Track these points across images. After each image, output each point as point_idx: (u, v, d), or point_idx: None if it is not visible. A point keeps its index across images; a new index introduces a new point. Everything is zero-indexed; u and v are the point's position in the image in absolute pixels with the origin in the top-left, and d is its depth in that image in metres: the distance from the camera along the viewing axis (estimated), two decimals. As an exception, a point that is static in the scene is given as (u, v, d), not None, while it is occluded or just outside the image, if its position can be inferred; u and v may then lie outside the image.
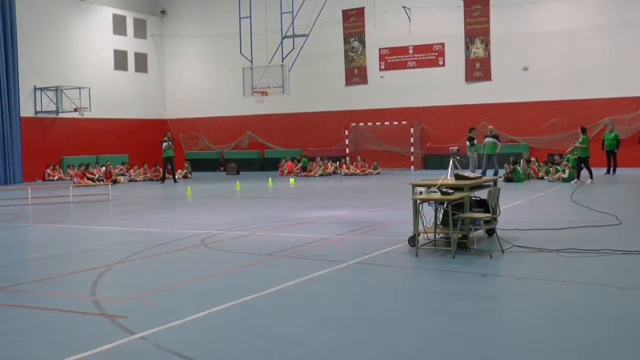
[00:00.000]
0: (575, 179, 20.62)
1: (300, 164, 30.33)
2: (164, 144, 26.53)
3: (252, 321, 6.12)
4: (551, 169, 22.43)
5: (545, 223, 11.62)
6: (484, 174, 20.50)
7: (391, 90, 31.58)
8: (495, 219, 9.54)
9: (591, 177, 20.70)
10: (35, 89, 30.09)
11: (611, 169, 23.46)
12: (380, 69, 32.14)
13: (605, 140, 23.58)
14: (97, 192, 21.17)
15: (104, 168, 28.64)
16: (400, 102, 31.45)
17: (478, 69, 30.24)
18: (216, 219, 14.04)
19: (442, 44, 30.86)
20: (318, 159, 30.08)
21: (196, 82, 36.53)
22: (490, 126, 25.27)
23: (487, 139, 23.16)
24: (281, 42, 27.57)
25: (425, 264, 8.54)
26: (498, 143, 23.26)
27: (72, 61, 31.80)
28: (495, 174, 21.58)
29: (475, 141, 23.39)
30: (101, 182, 25.19)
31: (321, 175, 28.87)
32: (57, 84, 30.31)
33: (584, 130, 21.61)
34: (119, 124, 34.07)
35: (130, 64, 35.38)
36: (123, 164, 30.64)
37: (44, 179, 29.69)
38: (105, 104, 32.67)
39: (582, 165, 20.82)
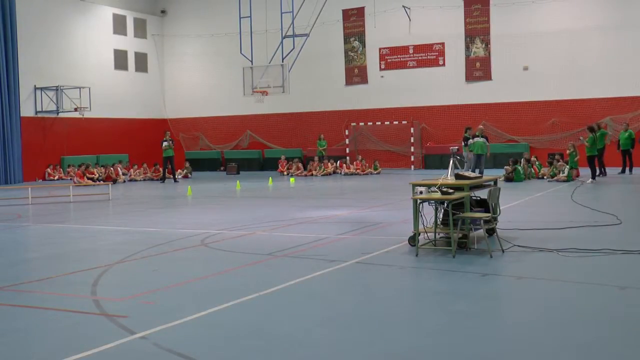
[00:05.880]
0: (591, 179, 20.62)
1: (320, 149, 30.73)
2: (164, 144, 26.54)
3: (252, 321, 6.12)
4: (556, 169, 22.30)
5: (545, 223, 11.62)
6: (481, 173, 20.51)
7: (391, 90, 31.57)
8: (495, 219, 9.54)
9: (593, 177, 20.70)
10: (36, 88, 30.09)
11: (627, 168, 23.41)
12: (381, 69, 32.14)
13: (620, 140, 23.56)
14: (97, 192, 21.18)
15: (103, 168, 28.65)
16: (400, 101, 31.45)
17: (478, 69, 30.23)
18: (216, 218, 14.04)
19: (442, 44, 30.85)
20: (326, 160, 30.17)
21: (196, 82, 36.53)
22: (480, 126, 25.28)
23: (477, 139, 23.15)
24: (281, 42, 27.58)
25: (425, 264, 8.54)
26: (487, 143, 23.29)
27: (72, 61, 31.80)
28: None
29: (470, 141, 23.34)
30: (101, 182, 25.19)
31: (322, 174, 28.91)
32: (57, 84, 30.31)
33: (591, 129, 21.68)
34: (119, 124, 34.07)
35: (131, 63, 35.38)
36: (120, 162, 30.48)
37: (44, 179, 29.70)
38: (106, 104, 32.67)
39: (588, 163, 20.93)
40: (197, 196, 19.91)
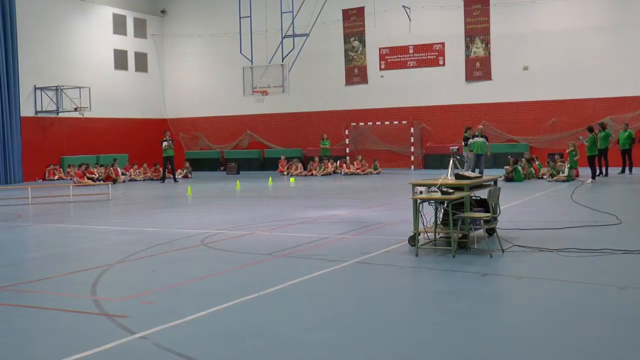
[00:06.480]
0: (591, 178, 20.63)
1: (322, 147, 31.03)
2: (164, 144, 26.55)
3: (252, 321, 6.12)
4: (554, 170, 22.29)
5: (545, 223, 11.62)
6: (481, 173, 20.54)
7: (391, 90, 31.57)
8: (495, 219, 9.54)
9: (593, 177, 20.71)
10: (36, 88, 30.08)
11: (627, 168, 23.38)
12: (381, 69, 32.13)
13: (620, 140, 23.56)
14: (97, 192, 21.18)
15: (103, 168, 28.64)
16: (400, 101, 31.44)
17: (478, 69, 30.23)
18: (216, 218, 14.04)
19: (442, 44, 30.85)
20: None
21: (196, 82, 36.52)
22: (480, 126, 25.33)
23: (477, 139, 23.17)
24: (281, 42, 27.57)
25: (425, 264, 8.54)
26: (487, 143, 23.35)
27: (72, 61, 31.79)
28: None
29: (470, 140, 23.37)
30: (101, 182, 25.19)
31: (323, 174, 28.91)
32: (57, 84, 30.30)
33: (590, 130, 21.71)
34: (119, 124, 34.07)
35: (131, 63, 35.37)
36: (116, 160, 30.22)
37: (44, 179, 29.69)
38: (106, 104, 32.67)
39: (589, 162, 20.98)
40: (197, 196, 19.91)
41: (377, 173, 28.73)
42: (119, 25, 34.60)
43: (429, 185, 9.50)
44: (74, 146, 31.48)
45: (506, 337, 5.60)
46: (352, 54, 32.69)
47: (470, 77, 30.38)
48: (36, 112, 30.14)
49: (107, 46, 33.86)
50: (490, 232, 9.76)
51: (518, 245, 9.42)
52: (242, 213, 15.07)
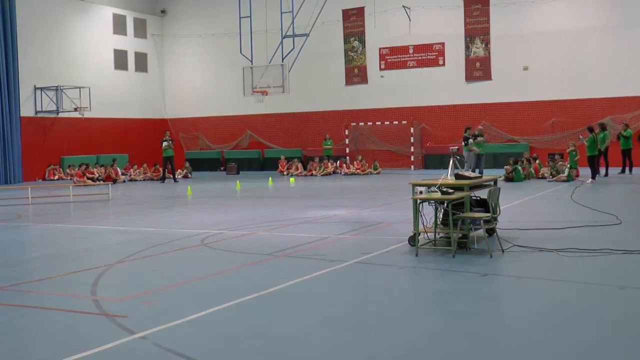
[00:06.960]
0: (591, 179, 20.62)
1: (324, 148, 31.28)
2: (164, 144, 26.55)
3: (252, 321, 6.12)
4: (554, 170, 22.28)
5: (545, 223, 11.62)
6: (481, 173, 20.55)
7: (391, 90, 31.57)
8: (495, 219, 9.54)
9: (593, 177, 20.70)
10: (36, 88, 30.09)
11: (626, 168, 23.35)
12: (381, 69, 32.13)
13: (620, 140, 23.55)
14: (97, 192, 21.18)
15: (103, 168, 28.64)
16: (400, 101, 31.45)
17: (478, 69, 30.23)
18: (216, 218, 14.04)
19: (442, 44, 30.85)
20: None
21: (196, 82, 36.52)
22: (480, 127, 25.36)
23: (480, 139, 23.20)
24: (281, 42, 27.57)
25: (425, 264, 8.54)
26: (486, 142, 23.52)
27: (72, 61, 31.79)
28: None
29: (470, 140, 23.38)
30: (101, 182, 25.18)
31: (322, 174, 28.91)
32: (57, 84, 30.31)
33: (591, 130, 21.71)
34: (119, 124, 34.07)
35: (131, 63, 35.37)
36: (114, 160, 30.15)
37: (44, 179, 29.69)
38: (106, 104, 32.67)
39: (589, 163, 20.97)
40: (197, 196, 19.90)
41: (377, 173, 28.73)
42: (119, 25, 34.60)
43: (429, 185, 9.50)
44: (74, 146, 31.48)
45: (506, 337, 5.60)
46: (352, 54, 32.69)
47: (470, 77, 30.38)
48: (36, 112, 30.14)
49: (107, 46, 33.87)
50: (490, 232, 9.76)
51: (518, 245, 9.42)
52: (242, 213, 15.06)
